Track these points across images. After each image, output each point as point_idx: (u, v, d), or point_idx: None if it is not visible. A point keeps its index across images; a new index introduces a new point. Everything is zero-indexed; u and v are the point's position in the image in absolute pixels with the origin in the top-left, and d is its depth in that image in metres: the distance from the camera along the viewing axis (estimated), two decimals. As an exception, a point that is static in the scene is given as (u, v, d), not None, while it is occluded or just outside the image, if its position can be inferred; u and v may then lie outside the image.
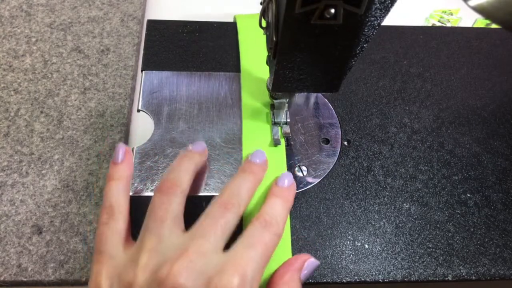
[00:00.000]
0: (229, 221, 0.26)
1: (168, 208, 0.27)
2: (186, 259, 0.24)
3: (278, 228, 0.27)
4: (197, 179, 0.32)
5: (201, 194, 0.32)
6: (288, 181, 0.30)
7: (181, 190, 0.28)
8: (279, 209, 0.28)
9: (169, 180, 0.28)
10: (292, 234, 0.31)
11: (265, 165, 0.31)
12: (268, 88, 0.34)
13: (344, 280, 0.30)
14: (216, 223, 0.26)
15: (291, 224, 0.32)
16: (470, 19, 0.54)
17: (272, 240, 0.26)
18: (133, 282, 0.24)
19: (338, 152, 0.36)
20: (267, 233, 0.26)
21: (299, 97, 0.38)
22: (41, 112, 0.41)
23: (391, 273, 0.31)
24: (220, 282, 0.23)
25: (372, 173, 0.35)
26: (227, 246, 0.26)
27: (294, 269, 0.27)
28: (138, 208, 0.29)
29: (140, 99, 0.37)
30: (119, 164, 0.30)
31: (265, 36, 0.30)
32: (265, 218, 0.27)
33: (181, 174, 0.29)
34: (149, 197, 0.31)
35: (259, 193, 0.31)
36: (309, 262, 0.28)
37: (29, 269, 0.33)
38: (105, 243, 0.27)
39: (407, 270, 0.31)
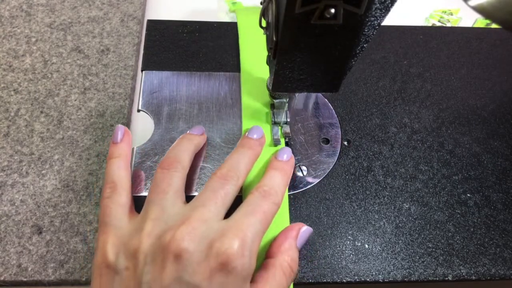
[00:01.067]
0: (229, 192, 0.27)
1: (170, 182, 0.28)
2: (189, 225, 0.25)
3: (277, 197, 0.28)
4: (197, 157, 0.33)
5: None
6: (287, 155, 0.32)
7: (182, 166, 0.29)
8: (278, 181, 0.29)
9: (170, 158, 0.29)
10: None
11: (262, 140, 0.32)
12: (268, 88, 0.34)
13: (344, 280, 0.30)
14: (216, 194, 0.27)
15: (290, 223, 0.31)
16: (470, 19, 0.54)
17: (271, 208, 0.27)
18: (139, 248, 0.25)
19: (338, 152, 0.36)
20: (266, 202, 0.27)
21: (299, 98, 0.38)
22: (41, 112, 0.41)
23: (391, 273, 0.31)
24: (221, 246, 0.24)
25: (372, 173, 0.35)
26: (227, 217, 0.27)
27: (291, 237, 0.29)
28: (139, 208, 0.29)
29: (140, 99, 0.37)
30: (118, 143, 0.31)
31: (265, 35, 0.30)
32: (264, 189, 0.28)
33: (181, 153, 0.30)
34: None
35: (259, 168, 0.32)
36: (303, 230, 0.29)
37: (29, 269, 0.33)
38: (109, 215, 0.27)
39: (407, 270, 0.31)
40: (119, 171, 0.30)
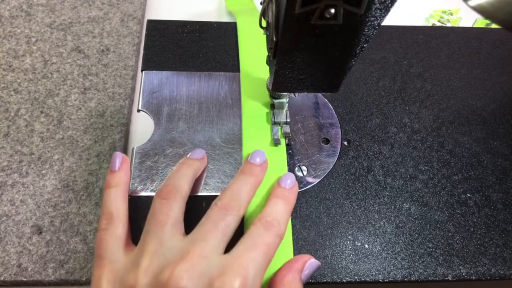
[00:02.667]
0: (230, 224, 0.26)
1: (168, 213, 0.27)
2: (188, 262, 0.24)
3: (280, 229, 0.27)
4: (197, 181, 0.32)
5: (201, 194, 0.32)
6: (290, 182, 0.30)
7: (181, 195, 0.28)
8: (281, 210, 0.28)
9: (169, 186, 0.28)
10: (292, 234, 0.31)
11: (265, 165, 0.31)
12: (268, 88, 0.34)
13: (344, 280, 0.30)
14: (216, 226, 0.26)
15: (291, 224, 0.31)
16: (470, 19, 0.54)
17: (274, 241, 0.26)
18: (135, 286, 0.24)
19: (338, 152, 0.36)
20: (269, 234, 0.26)
21: (299, 97, 0.38)
22: (41, 112, 0.41)
23: (391, 273, 0.31)
24: (222, 285, 0.23)
25: (372, 173, 0.35)
26: (229, 249, 0.26)
27: (295, 269, 0.27)
28: (138, 208, 0.29)
29: (140, 99, 0.37)
30: (116, 171, 0.30)
31: (265, 36, 0.30)
32: (267, 220, 0.27)
33: (180, 180, 0.29)
34: (148, 197, 0.31)
35: (261, 194, 0.31)
36: (310, 262, 0.28)
37: (29, 269, 0.33)
38: (105, 248, 0.27)
39: (407, 270, 0.31)
40: (117, 201, 0.29)
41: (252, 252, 0.25)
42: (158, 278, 0.24)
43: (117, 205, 0.29)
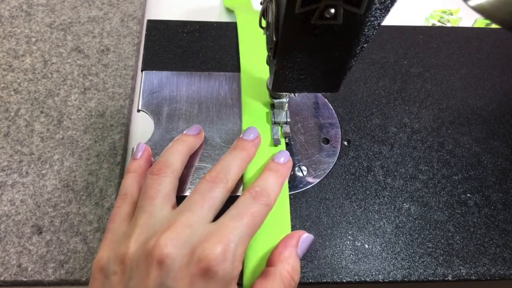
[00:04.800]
0: (217, 196, 0.27)
1: (158, 187, 0.28)
2: (173, 231, 0.25)
3: (268, 199, 0.28)
4: (193, 155, 0.33)
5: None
6: (284, 158, 0.31)
7: (172, 170, 0.29)
8: (271, 182, 0.29)
9: (160, 162, 0.30)
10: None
11: (257, 141, 0.32)
12: (268, 88, 0.34)
13: (344, 280, 0.30)
14: (203, 197, 0.27)
15: (291, 224, 0.32)
16: (470, 19, 0.54)
17: (260, 210, 0.27)
18: (126, 254, 0.25)
19: (338, 152, 0.36)
20: (256, 203, 0.27)
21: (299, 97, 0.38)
22: (41, 112, 0.41)
23: (391, 273, 0.31)
24: (203, 251, 0.24)
25: (372, 173, 0.35)
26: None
27: (291, 245, 0.28)
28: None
29: (140, 99, 0.37)
30: (137, 159, 0.32)
31: (265, 35, 0.30)
32: (256, 190, 0.28)
33: (172, 156, 0.30)
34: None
35: (260, 171, 0.32)
36: (303, 238, 0.29)
37: (29, 269, 0.33)
38: (114, 222, 0.28)
39: (407, 270, 0.31)
40: (133, 184, 0.30)
41: (237, 220, 0.26)
42: (145, 246, 0.25)
43: (132, 188, 0.30)
